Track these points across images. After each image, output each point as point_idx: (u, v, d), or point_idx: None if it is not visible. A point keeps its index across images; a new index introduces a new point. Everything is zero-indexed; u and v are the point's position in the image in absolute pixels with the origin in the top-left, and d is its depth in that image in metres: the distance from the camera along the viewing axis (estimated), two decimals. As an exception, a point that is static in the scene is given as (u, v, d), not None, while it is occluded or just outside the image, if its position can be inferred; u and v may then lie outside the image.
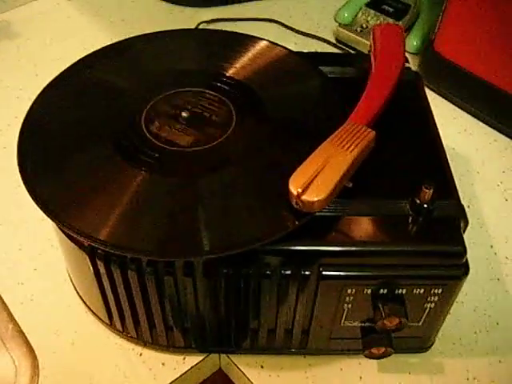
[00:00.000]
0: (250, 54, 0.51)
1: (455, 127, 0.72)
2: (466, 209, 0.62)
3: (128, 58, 0.55)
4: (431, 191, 0.42)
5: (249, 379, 0.50)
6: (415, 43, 0.79)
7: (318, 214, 0.41)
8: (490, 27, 0.66)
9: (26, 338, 0.52)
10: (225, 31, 0.55)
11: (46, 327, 0.52)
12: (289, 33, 0.84)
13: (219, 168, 0.45)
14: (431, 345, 0.52)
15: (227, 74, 0.50)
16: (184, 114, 0.48)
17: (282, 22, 0.85)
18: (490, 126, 0.72)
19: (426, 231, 0.43)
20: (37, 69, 0.76)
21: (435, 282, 0.43)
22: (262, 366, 0.51)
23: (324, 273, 0.42)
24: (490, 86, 0.69)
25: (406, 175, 0.46)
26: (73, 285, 0.55)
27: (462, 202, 0.62)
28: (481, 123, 0.72)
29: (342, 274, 0.42)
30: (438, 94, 0.75)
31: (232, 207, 0.43)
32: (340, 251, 0.42)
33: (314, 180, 0.39)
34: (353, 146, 0.41)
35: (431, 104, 0.72)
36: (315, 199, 0.39)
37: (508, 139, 0.70)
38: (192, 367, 0.51)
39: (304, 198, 0.39)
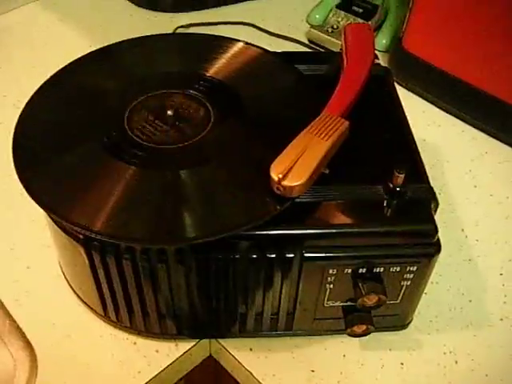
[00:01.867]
0: (227, 55, 0.54)
1: (424, 120, 0.75)
2: (438, 195, 0.66)
3: (111, 62, 0.57)
4: (403, 175, 0.45)
5: (239, 361, 0.53)
6: (384, 41, 0.83)
7: (298, 200, 0.44)
8: (454, 23, 0.69)
9: (22, 332, 0.54)
10: (202, 34, 0.58)
11: (41, 321, 0.54)
12: (263, 35, 0.87)
13: (202, 161, 0.47)
14: (409, 322, 0.55)
15: (206, 75, 0.53)
16: (168, 113, 0.50)
17: (256, 24, 0.89)
18: (458, 117, 0.75)
19: (399, 213, 0.46)
20: (19, 75, 0.78)
21: (410, 260, 0.47)
22: (250, 349, 0.54)
23: (306, 255, 0.45)
24: (455, 80, 0.72)
25: (379, 162, 0.49)
26: (66, 280, 0.57)
27: (434, 189, 0.66)
28: (449, 115, 0.76)
29: (323, 255, 0.46)
30: (407, 89, 0.78)
31: (216, 196, 0.45)
32: (320, 233, 0.45)
33: (294, 166, 0.42)
34: (328, 135, 0.44)
35: (401, 98, 0.76)
36: (295, 184, 0.42)
37: (475, 129, 0.74)
38: (184, 353, 0.53)
39: (284, 183, 0.42)
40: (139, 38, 0.57)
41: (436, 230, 0.46)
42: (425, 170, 0.50)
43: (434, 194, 0.48)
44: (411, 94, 0.78)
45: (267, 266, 0.46)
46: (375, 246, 0.46)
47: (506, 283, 0.60)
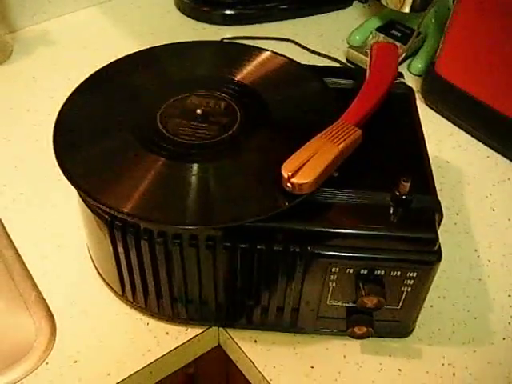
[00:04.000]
0: (255, 63, 0.58)
1: (451, 143, 0.77)
2: (455, 216, 0.68)
3: (151, 63, 0.62)
4: (408, 184, 0.47)
5: (243, 351, 0.56)
6: (419, 66, 0.85)
7: (309, 199, 0.47)
8: (487, 51, 0.71)
9: (46, 304, 0.58)
10: (235, 43, 0.62)
11: (65, 296, 0.59)
12: (303, 52, 0.91)
13: (225, 157, 0.51)
14: (411, 331, 0.57)
15: (235, 79, 0.57)
16: (197, 112, 0.54)
17: (298, 41, 0.92)
18: (484, 143, 0.77)
19: (403, 220, 0.48)
20: (69, 73, 0.84)
21: (410, 266, 0.49)
22: (255, 341, 0.56)
23: (310, 251, 0.48)
24: (485, 106, 0.74)
25: (390, 171, 0.51)
26: (92, 261, 0.61)
27: (452, 209, 0.68)
28: (475, 140, 0.78)
29: (327, 253, 0.48)
30: (437, 112, 0.81)
31: (234, 189, 0.49)
32: (325, 232, 0.48)
33: (304, 166, 0.45)
34: (340, 141, 0.47)
35: (430, 121, 0.78)
36: (303, 182, 0.45)
37: (500, 156, 0.76)
38: (193, 337, 0.56)
39: (293, 180, 0.45)
40: (178, 43, 0.62)
41: (437, 239, 0.48)
42: (433, 182, 0.52)
43: (440, 205, 0.50)
44: (440, 116, 0.80)
45: (274, 257, 0.49)
46: (378, 249, 0.48)
47: (514, 305, 0.61)
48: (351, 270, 0.49)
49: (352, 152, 0.50)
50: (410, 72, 0.86)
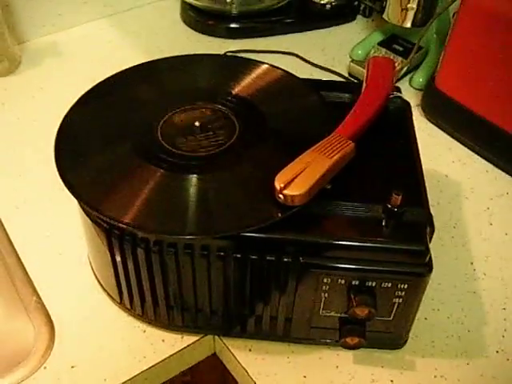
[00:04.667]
0: (253, 76, 0.60)
1: (450, 157, 0.78)
2: (452, 229, 0.69)
3: (151, 75, 0.63)
4: (400, 197, 0.48)
5: (237, 359, 0.56)
6: (421, 80, 0.86)
7: (302, 211, 0.48)
8: (486, 66, 0.72)
9: (46, 309, 0.59)
10: (234, 56, 0.64)
11: (64, 302, 0.60)
12: (306, 65, 0.92)
13: (222, 169, 0.52)
14: (404, 343, 0.57)
15: (234, 92, 0.58)
16: (196, 124, 0.56)
17: (301, 55, 0.94)
18: (483, 157, 0.78)
19: (394, 232, 0.49)
20: (77, 84, 0.84)
21: (401, 278, 0.49)
22: (250, 350, 0.57)
23: (303, 261, 0.49)
24: (484, 121, 0.75)
25: (383, 184, 0.52)
26: (92, 269, 0.62)
27: (449, 223, 0.69)
28: (475, 155, 0.78)
29: (318, 263, 0.49)
30: (437, 126, 0.81)
31: (230, 200, 0.50)
32: (318, 243, 0.49)
33: (296, 178, 0.46)
34: (333, 154, 0.48)
35: (430, 135, 0.79)
36: (295, 193, 0.46)
37: (499, 170, 0.76)
38: (189, 345, 0.57)
39: (285, 192, 0.46)
40: (179, 56, 0.63)
41: (427, 251, 0.48)
42: (426, 196, 0.53)
43: (431, 218, 0.51)
44: (440, 130, 0.81)
45: (266, 267, 0.49)
46: (369, 260, 0.49)
47: (508, 318, 0.61)
48: (343, 281, 0.50)
49: (346, 165, 0.51)
50: (412, 86, 0.87)
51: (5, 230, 0.66)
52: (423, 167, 0.75)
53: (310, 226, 0.49)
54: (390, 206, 0.49)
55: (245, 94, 0.58)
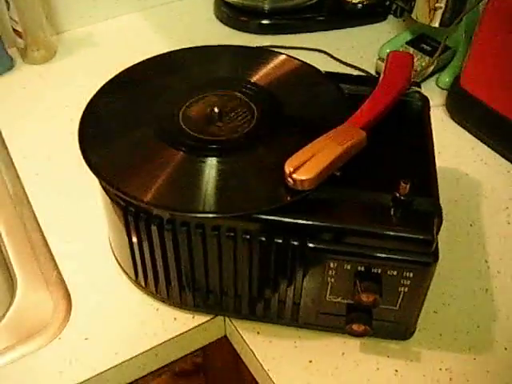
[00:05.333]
0: (272, 65, 0.61)
1: (472, 156, 0.78)
2: (468, 227, 0.69)
3: (175, 64, 0.65)
4: (408, 186, 0.49)
5: (245, 341, 0.58)
6: (447, 80, 0.86)
7: (311, 196, 0.50)
8: (508, 66, 0.72)
9: (65, 284, 0.62)
10: (253, 47, 0.65)
11: (83, 278, 0.62)
12: (334, 63, 0.93)
13: (238, 153, 0.54)
14: (411, 334, 0.58)
15: (253, 81, 0.60)
16: (216, 110, 0.57)
17: (330, 52, 0.94)
18: (506, 158, 0.77)
19: (402, 220, 0.50)
20: (108, 74, 0.88)
21: (407, 266, 0.50)
22: (258, 332, 0.58)
23: (309, 245, 0.50)
24: (508, 121, 0.75)
25: (394, 173, 0.53)
26: (111, 247, 0.64)
27: (466, 220, 0.69)
28: (497, 155, 0.78)
29: (325, 247, 0.50)
30: (461, 126, 0.81)
31: (245, 183, 0.52)
32: (325, 227, 0.50)
33: (305, 163, 0.48)
34: (344, 142, 0.49)
35: (453, 134, 0.79)
36: (304, 178, 0.47)
37: (521, 171, 0.76)
38: (199, 325, 0.59)
39: (294, 176, 0.47)
40: (201, 46, 0.65)
41: (433, 241, 0.49)
42: (437, 187, 0.53)
43: (441, 209, 0.51)
44: (464, 130, 0.81)
45: (274, 250, 0.51)
46: (375, 247, 0.50)
47: (520, 317, 0.61)
48: (349, 267, 0.51)
49: (357, 153, 0.52)
50: (438, 86, 0.87)
51: (31, 207, 0.69)
52: (445, 165, 0.76)
53: (319, 210, 0.50)
54: (398, 194, 0.50)
55: (263, 82, 0.60)
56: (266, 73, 0.61)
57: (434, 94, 0.86)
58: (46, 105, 0.84)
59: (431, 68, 0.86)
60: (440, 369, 0.57)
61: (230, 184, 0.52)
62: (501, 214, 0.71)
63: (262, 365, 0.56)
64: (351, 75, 0.65)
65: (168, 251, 0.54)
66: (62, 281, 0.62)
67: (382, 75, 0.59)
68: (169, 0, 1.05)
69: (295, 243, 0.50)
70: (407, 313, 0.54)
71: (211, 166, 0.53)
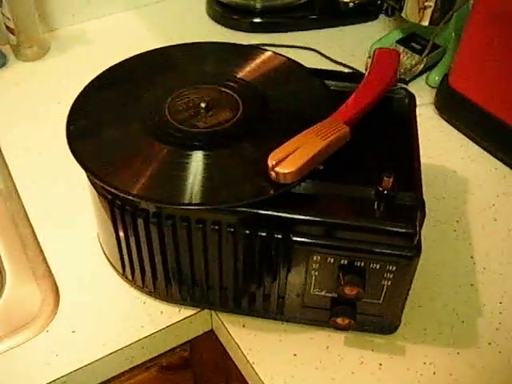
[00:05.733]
0: (257, 62, 0.62)
1: (460, 153, 0.78)
2: (455, 223, 0.69)
3: (162, 60, 0.66)
4: (391, 180, 0.50)
5: (230, 334, 0.58)
6: (436, 78, 0.87)
7: (295, 190, 0.50)
8: (498, 65, 0.73)
9: (53, 277, 0.62)
10: (240, 44, 0.66)
11: (71, 271, 0.63)
12: (325, 61, 0.94)
13: (223, 146, 0.54)
14: (395, 328, 0.58)
15: (238, 76, 0.61)
16: (201, 104, 0.58)
17: (321, 51, 0.95)
18: (493, 155, 0.78)
19: (385, 213, 0.50)
20: (102, 70, 0.88)
21: (390, 259, 0.51)
22: (243, 326, 0.59)
23: (293, 238, 0.50)
24: (495, 119, 0.75)
25: (378, 168, 0.53)
26: (99, 241, 0.65)
27: (452, 217, 0.70)
28: (485, 152, 0.79)
29: (308, 240, 0.51)
30: (450, 124, 0.82)
31: (229, 176, 0.52)
32: (307, 220, 0.50)
33: (288, 157, 0.48)
34: (326, 136, 0.50)
35: (442, 132, 0.80)
36: (286, 171, 0.48)
37: (508, 169, 0.76)
38: (185, 318, 0.59)
39: (277, 169, 0.48)
40: (190, 43, 0.66)
41: (415, 234, 0.49)
42: (420, 182, 0.53)
43: (424, 203, 0.52)
44: (452, 128, 0.81)
45: (259, 242, 0.51)
46: (358, 240, 0.50)
47: (504, 312, 0.61)
48: (332, 260, 0.51)
49: (341, 148, 0.53)
50: (428, 84, 0.88)
51: (21, 202, 0.69)
52: (433, 162, 0.76)
53: (302, 204, 0.51)
54: (381, 188, 0.50)
55: (249, 78, 0.60)
56: (252, 68, 0.61)
57: (424, 92, 0.87)
58: (38, 101, 0.85)
59: (421, 66, 0.87)
60: (424, 363, 0.57)
61: (216, 177, 0.52)
62: (487, 211, 0.71)
63: (246, 358, 0.57)
64: (337, 71, 0.65)
65: (154, 244, 0.54)
66: (51, 274, 0.62)
67: (367, 71, 0.59)
68: (162, -2, 1.06)
69: (279, 236, 0.51)
70: (391, 306, 0.55)
71: (197, 159, 0.53)
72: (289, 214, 0.50)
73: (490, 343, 0.59)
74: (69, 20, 0.98)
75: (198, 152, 0.54)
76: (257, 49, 0.63)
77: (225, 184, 0.51)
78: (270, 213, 0.50)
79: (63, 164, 0.74)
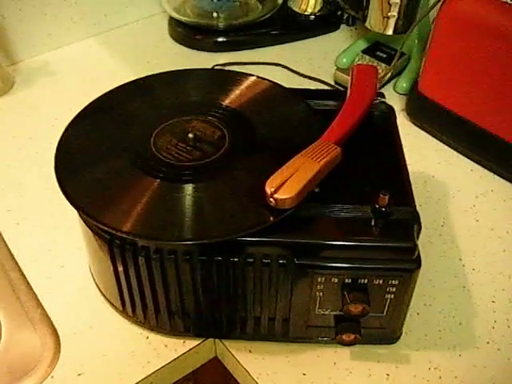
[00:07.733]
0: (242, 87, 0.62)
1: (436, 158, 0.81)
2: (440, 227, 0.71)
3: (144, 91, 0.65)
4: (387, 197, 0.51)
5: (238, 361, 0.58)
6: (404, 85, 0.89)
7: (293, 214, 0.51)
8: (465, 70, 0.75)
9: (51, 321, 0.61)
10: (223, 70, 0.66)
11: (68, 313, 0.62)
12: (293, 76, 0.95)
13: (214, 177, 0.55)
14: (398, 338, 0.60)
15: (224, 104, 0.61)
16: (189, 136, 0.58)
17: (288, 66, 0.96)
18: (468, 157, 0.80)
19: (384, 230, 0.51)
20: (70, 102, 0.87)
21: (392, 274, 0.52)
22: (250, 351, 0.59)
23: (297, 262, 0.51)
24: (466, 122, 0.77)
25: (371, 186, 0.54)
26: (93, 279, 0.64)
27: (437, 221, 0.71)
28: (460, 155, 0.81)
29: (312, 263, 0.51)
30: (422, 129, 0.84)
31: (224, 207, 0.52)
32: (311, 244, 0.51)
33: (285, 182, 0.49)
34: (320, 158, 0.51)
35: (415, 138, 0.82)
36: (285, 197, 0.48)
37: (482, 169, 0.79)
38: (191, 349, 0.59)
39: (276, 195, 0.48)
40: (170, 71, 0.66)
41: (415, 248, 0.51)
42: (412, 195, 0.55)
43: (418, 216, 0.53)
44: (425, 133, 0.84)
45: (263, 270, 0.52)
46: (360, 259, 0.51)
47: (498, 310, 0.63)
48: (336, 280, 0.52)
49: (333, 169, 0.54)
50: (396, 91, 0.90)
51: (7, 245, 0.68)
52: (410, 169, 0.77)
53: (303, 228, 0.52)
54: (377, 206, 0.52)
55: (234, 105, 0.61)
56: (236, 95, 0.62)
57: (393, 99, 0.89)
58: (8, 138, 0.83)
59: (388, 75, 0.89)
60: (429, 368, 0.58)
61: (211, 209, 0.52)
62: (469, 212, 0.74)
63: (257, 382, 0.57)
64: (318, 90, 0.66)
65: (156, 280, 0.54)
66: (47, 317, 0.61)
67: (349, 89, 0.61)
68: (123, 23, 1.05)
69: (283, 262, 0.51)
70: (394, 318, 0.56)
71: (189, 192, 0.53)
72: (291, 239, 0.51)
73: (488, 342, 0.61)
74: (30, 52, 0.96)
75: (188, 185, 0.54)
76: (239, 74, 0.64)
77: (223, 215, 0.52)
78: (272, 239, 0.51)
79: (44, 202, 0.73)
